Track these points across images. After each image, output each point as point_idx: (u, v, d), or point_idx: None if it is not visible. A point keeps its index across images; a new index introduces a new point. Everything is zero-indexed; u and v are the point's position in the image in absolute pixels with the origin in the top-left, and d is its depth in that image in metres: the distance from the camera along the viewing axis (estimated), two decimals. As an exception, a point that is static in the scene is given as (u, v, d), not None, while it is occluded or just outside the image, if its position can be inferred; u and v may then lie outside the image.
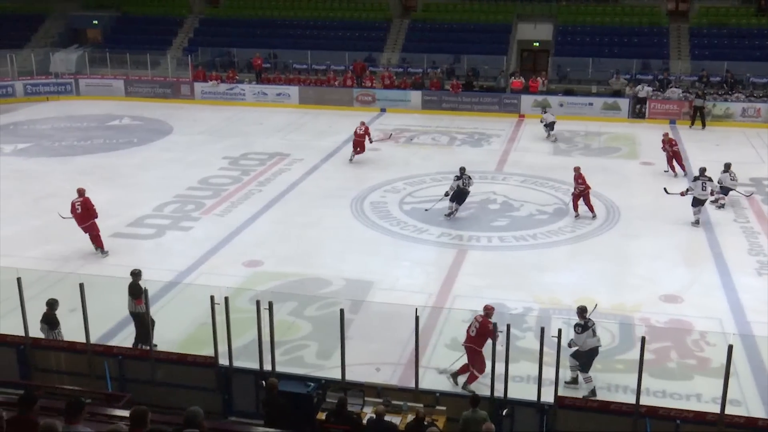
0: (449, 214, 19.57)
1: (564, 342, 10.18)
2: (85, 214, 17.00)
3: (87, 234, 17.12)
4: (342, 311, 10.49)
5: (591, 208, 19.72)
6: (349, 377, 10.68)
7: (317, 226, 19.23)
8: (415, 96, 33.33)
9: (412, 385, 10.66)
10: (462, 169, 19.81)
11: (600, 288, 15.35)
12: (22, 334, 11.50)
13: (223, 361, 10.97)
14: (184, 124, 30.42)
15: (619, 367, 12.18)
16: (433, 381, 11.50)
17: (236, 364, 11.02)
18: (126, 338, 12.79)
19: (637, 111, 31.51)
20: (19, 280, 11.16)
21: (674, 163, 23.53)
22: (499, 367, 10.13)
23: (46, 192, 21.77)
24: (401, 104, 32.42)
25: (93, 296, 11.93)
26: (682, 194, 19.39)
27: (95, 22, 41.56)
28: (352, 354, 10.97)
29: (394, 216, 19.85)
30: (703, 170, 19.53)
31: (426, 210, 20.10)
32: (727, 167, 20.85)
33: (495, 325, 10.98)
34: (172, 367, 11.17)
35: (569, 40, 36.77)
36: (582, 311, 11.86)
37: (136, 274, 12.77)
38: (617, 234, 18.71)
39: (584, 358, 11.77)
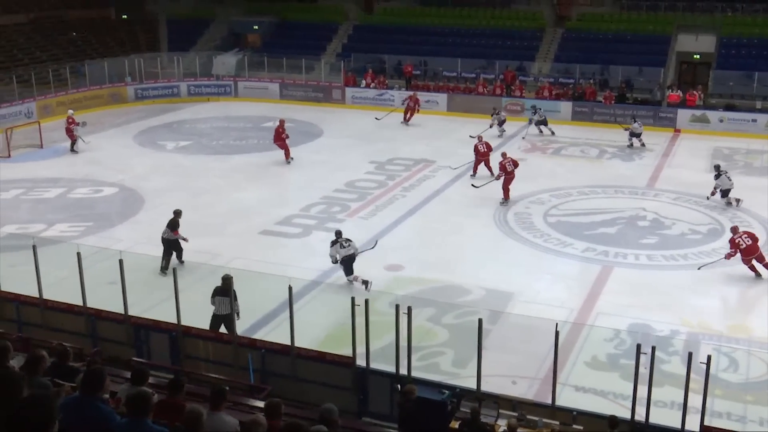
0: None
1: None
2: (276, 135, 25.58)
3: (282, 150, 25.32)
4: (480, 321, 10.42)
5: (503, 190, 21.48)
6: (484, 388, 10.59)
7: (459, 234, 19.20)
8: (566, 106, 32.69)
9: (549, 401, 10.44)
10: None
11: (755, 315, 14.49)
12: (175, 321, 12.13)
13: (361, 362, 11.13)
14: (333, 128, 31.18)
15: (773, 401, 11.45)
16: (570, 399, 11.18)
17: (373, 365, 11.15)
18: (269, 332, 13.21)
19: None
20: (174, 270, 11.80)
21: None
22: (641, 390, 9.75)
23: (203, 188, 22.90)
24: (551, 114, 31.79)
25: (240, 290, 12.46)
26: (712, 194, 21.18)
27: (256, 27, 43.32)
28: (489, 365, 10.87)
29: (538, 228, 19.51)
30: (718, 167, 21.72)
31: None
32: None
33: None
34: (311, 364, 11.45)
35: (733, 53, 34.93)
36: (337, 233, 15.99)
37: (177, 213, 16.99)
38: (778, 259, 17.57)
39: (345, 265, 15.60)
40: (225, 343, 12.07)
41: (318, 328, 13.55)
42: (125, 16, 45.36)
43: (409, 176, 24.25)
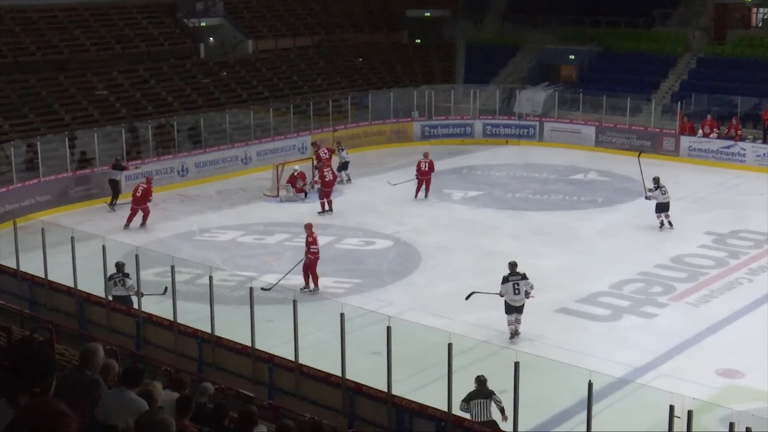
0: None
1: None
2: (142, 197, 25.35)
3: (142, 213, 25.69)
4: None
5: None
6: None
7: (826, 337, 17.74)
8: None
9: None
10: None
11: None
12: (446, 408, 12.31)
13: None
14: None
15: None
16: None
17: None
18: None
19: None
20: (449, 346, 12.04)
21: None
22: None
23: (492, 249, 23.24)
24: None
25: (527, 379, 12.39)
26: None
27: (572, 57, 43.61)
28: None
29: None
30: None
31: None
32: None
33: None
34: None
35: None
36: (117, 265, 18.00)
37: (120, 160, 27.98)
38: None
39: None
40: (503, 443, 12.06)
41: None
42: (419, 41, 47.87)
43: (759, 255, 22.91)
